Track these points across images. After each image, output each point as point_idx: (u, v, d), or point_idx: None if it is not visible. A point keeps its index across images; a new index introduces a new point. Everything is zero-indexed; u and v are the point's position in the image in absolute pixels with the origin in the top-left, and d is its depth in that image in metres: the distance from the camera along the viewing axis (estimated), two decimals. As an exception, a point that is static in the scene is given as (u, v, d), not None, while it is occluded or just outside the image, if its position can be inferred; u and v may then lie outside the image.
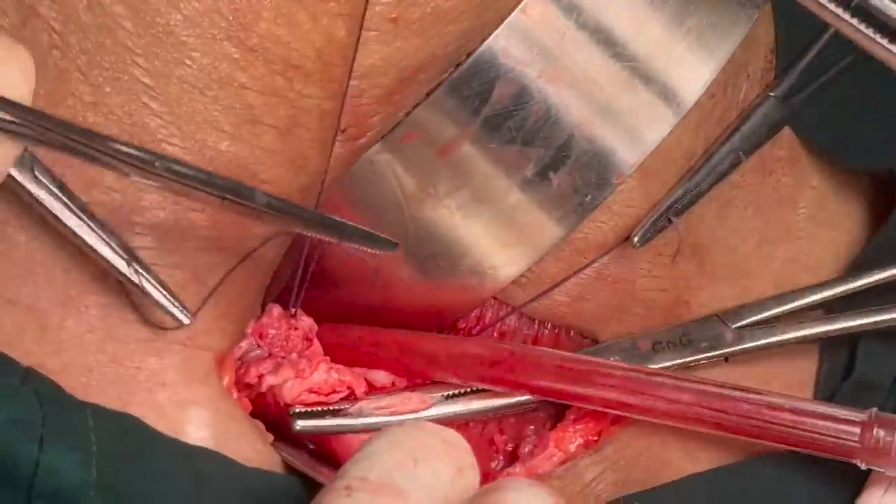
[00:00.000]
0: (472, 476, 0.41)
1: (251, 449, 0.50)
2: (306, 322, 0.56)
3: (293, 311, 0.56)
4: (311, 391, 0.55)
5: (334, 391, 0.55)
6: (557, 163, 0.54)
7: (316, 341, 0.56)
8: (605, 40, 0.53)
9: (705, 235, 0.59)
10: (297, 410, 0.54)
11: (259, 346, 0.55)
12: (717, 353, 0.58)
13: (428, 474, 0.40)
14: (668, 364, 0.58)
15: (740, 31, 0.56)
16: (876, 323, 0.59)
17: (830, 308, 0.60)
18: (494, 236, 0.55)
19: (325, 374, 0.55)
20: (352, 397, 0.56)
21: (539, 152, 0.54)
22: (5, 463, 0.42)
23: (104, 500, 0.43)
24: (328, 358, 0.56)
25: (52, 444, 0.43)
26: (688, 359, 0.58)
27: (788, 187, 0.62)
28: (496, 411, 0.57)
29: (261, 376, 0.54)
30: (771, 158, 0.61)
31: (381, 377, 0.57)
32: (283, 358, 0.55)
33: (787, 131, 0.61)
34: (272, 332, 0.55)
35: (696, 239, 0.59)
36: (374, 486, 0.38)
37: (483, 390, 0.56)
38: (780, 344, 0.59)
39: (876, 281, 0.59)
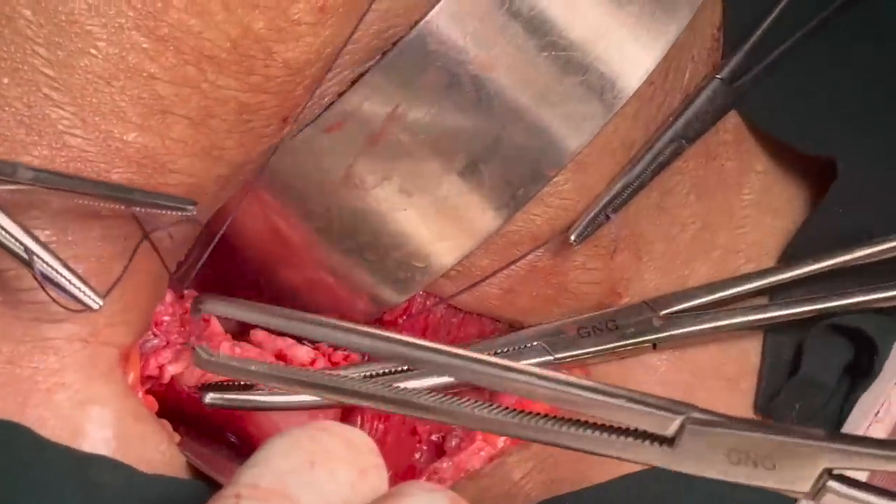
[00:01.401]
0: (377, 477, 0.40)
1: (155, 450, 0.49)
2: None
3: (183, 293, 0.54)
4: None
5: None
6: (489, 154, 0.53)
7: (214, 320, 0.54)
8: (541, 27, 0.51)
9: (644, 224, 0.57)
10: (208, 384, 0.52)
11: (155, 335, 0.53)
12: (644, 338, 0.57)
13: (325, 478, 0.38)
14: (593, 349, 0.56)
15: (684, 16, 0.54)
16: (810, 311, 0.57)
17: (772, 298, 0.58)
18: (424, 229, 0.54)
19: (228, 353, 0.53)
20: None
21: (470, 143, 0.52)
22: None
23: None
24: (229, 336, 0.54)
25: None
26: (614, 344, 0.56)
27: (733, 172, 0.60)
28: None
29: (161, 367, 0.52)
30: (715, 142, 0.59)
31: (301, 354, 0.55)
32: (183, 344, 0.53)
33: (732, 115, 0.60)
34: (167, 318, 0.54)
35: (634, 229, 0.57)
36: (263, 494, 0.37)
37: (407, 370, 0.53)
38: (710, 332, 0.57)
39: (811, 271, 0.58)
